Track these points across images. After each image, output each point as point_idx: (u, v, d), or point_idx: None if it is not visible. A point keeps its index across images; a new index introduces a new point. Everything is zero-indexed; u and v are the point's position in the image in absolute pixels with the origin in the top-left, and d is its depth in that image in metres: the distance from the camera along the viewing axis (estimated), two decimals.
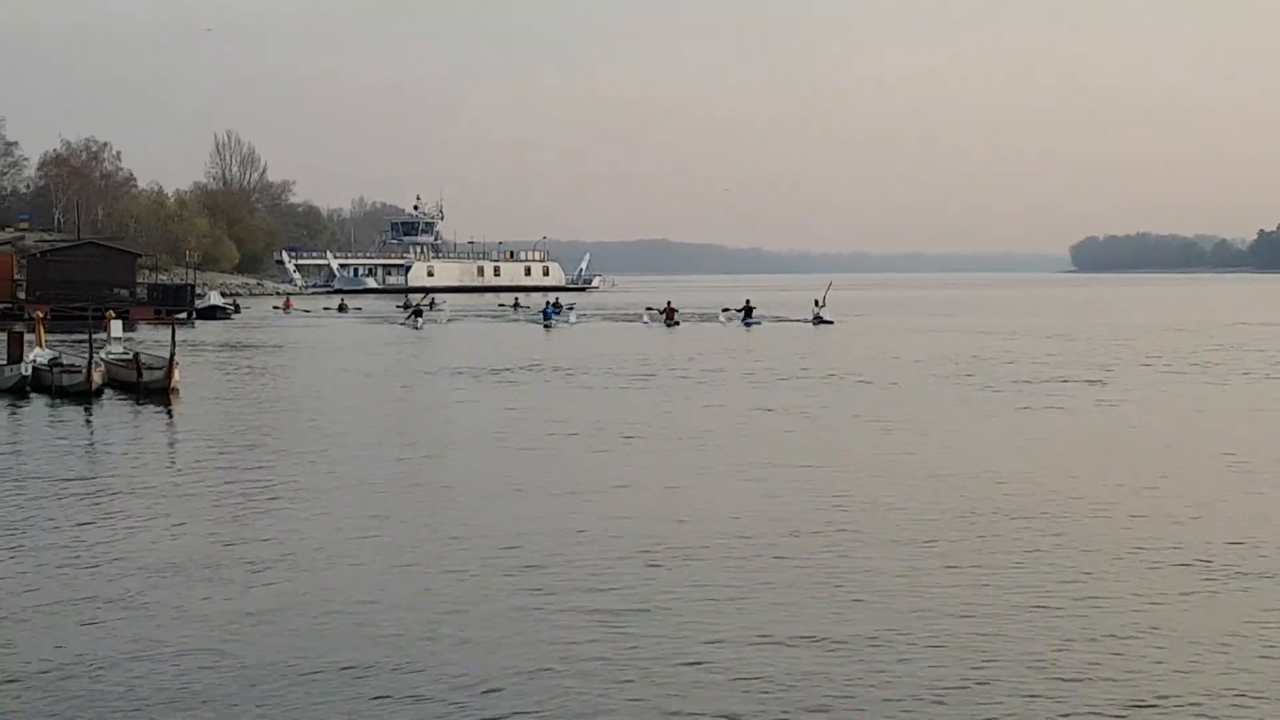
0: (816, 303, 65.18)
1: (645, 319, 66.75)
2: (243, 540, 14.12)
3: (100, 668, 9.77)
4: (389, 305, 76.83)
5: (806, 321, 64.22)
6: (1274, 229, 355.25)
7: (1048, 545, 13.61)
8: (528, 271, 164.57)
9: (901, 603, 11.39)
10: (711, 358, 41.27)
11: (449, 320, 71.84)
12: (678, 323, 64.36)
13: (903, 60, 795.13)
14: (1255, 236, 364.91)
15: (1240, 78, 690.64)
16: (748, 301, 68.66)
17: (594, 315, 77.88)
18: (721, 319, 66.78)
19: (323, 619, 11.04)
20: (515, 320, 73.25)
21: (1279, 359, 39.94)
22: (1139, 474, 18.41)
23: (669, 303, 68.23)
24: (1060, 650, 10.03)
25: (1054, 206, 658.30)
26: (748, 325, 63.46)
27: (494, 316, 79.82)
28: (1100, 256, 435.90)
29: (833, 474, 18.45)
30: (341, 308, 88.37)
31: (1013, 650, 10.03)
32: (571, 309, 74.97)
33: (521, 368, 37.75)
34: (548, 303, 73.33)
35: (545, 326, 64.76)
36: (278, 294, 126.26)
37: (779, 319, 68.20)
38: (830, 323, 62.53)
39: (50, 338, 36.78)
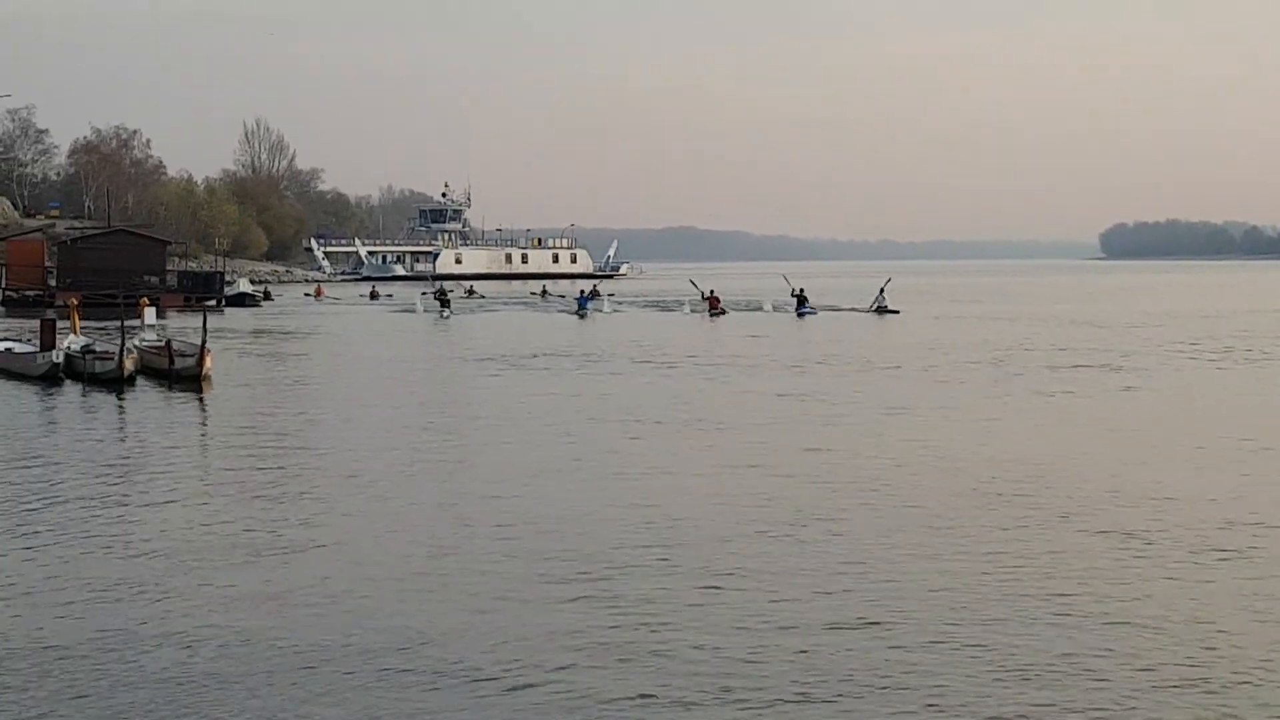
0: (881, 292, 62.16)
1: (686, 309, 63.93)
2: (274, 525, 14.23)
3: (129, 651, 9.89)
4: (417, 292, 75.45)
5: (866, 311, 61.34)
6: None
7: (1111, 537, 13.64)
8: (555, 259, 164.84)
9: (931, 586, 11.45)
10: (793, 355, 41.15)
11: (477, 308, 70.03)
12: (723, 311, 60.83)
13: (929, 47, 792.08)
14: None
15: (1270, 63, 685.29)
16: (801, 290, 63.35)
17: (630, 302, 76.44)
18: (767, 307, 64.36)
19: (354, 603, 11.14)
20: (548, 310, 69.34)
21: None
22: (1167, 460, 18.41)
23: (711, 291, 64.37)
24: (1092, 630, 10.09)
25: (1083, 193, 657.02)
26: (801, 315, 59.35)
27: (524, 305, 78.38)
28: (1129, 244, 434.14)
29: (920, 470, 18.48)
30: (373, 295, 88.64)
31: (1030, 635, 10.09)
32: (611, 296, 73.00)
33: (554, 355, 37.81)
34: (582, 291, 71.24)
35: (580, 315, 62.22)
36: (307, 281, 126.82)
37: (833, 308, 64.70)
38: (896, 312, 59.67)
39: (84, 324, 37.01)
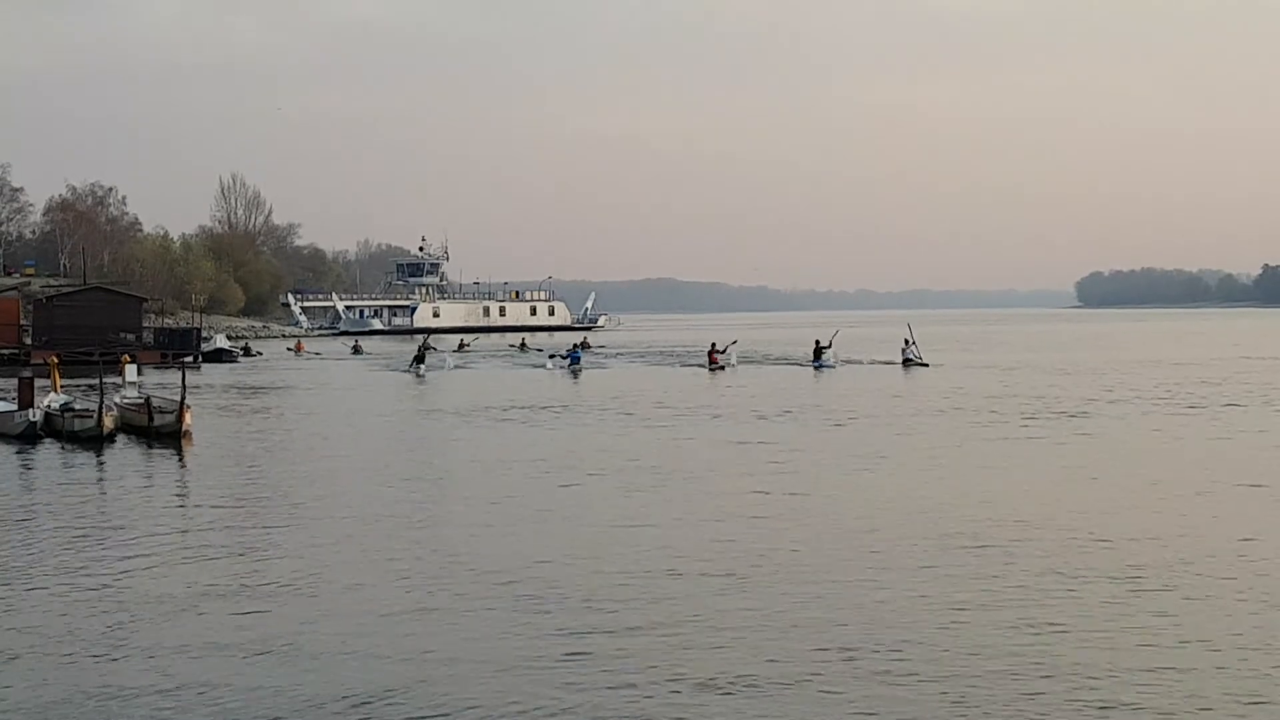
0: (906, 342, 59.10)
1: (733, 359, 59.64)
2: (255, 580, 14.23)
3: (113, 703, 9.95)
4: (396, 346, 74.14)
5: (893, 364, 58.40)
6: (1278, 263, 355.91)
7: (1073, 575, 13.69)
8: (533, 311, 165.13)
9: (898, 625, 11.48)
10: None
11: (454, 367, 63.79)
12: (723, 366, 57.76)
13: (907, 97, 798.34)
14: (1260, 271, 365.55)
15: (1243, 112, 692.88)
16: (818, 341, 60.00)
17: (622, 353, 75.08)
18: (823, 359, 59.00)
19: (330, 656, 11.18)
20: (539, 366, 62.94)
21: (1264, 393, 40.04)
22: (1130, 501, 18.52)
23: (714, 344, 61.47)
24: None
25: (1059, 243, 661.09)
26: (818, 369, 56.45)
27: (510, 359, 75.14)
28: (1105, 292, 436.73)
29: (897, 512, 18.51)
30: (356, 349, 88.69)
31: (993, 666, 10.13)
32: (601, 348, 71.63)
33: (543, 408, 37.80)
34: (574, 345, 66.90)
35: (573, 373, 57.56)
36: (284, 336, 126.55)
37: (851, 360, 61.40)
38: (925, 364, 56.43)
39: (62, 383, 36.88)
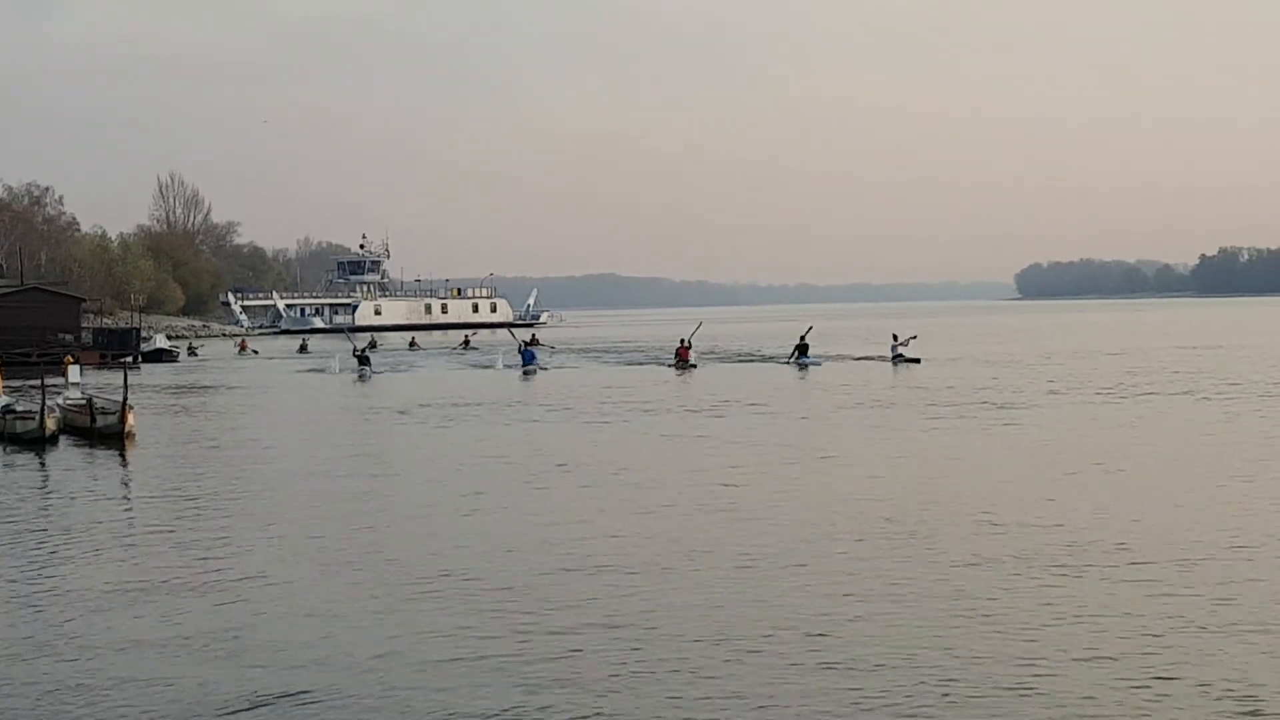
0: (895, 338, 55.81)
1: (675, 366, 55.08)
2: (190, 578, 14.40)
3: (35, 702, 10.13)
4: (343, 345, 69.95)
5: (882, 360, 55.30)
6: (1215, 254, 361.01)
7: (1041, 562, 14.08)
8: (475, 308, 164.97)
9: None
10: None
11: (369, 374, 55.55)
12: (694, 365, 54.15)
13: (845, 92, 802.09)
14: (1197, 261, 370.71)
15: (1179, 106, 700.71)
16: (801, 337, 56.65)
17: (575, 354, 70.84)
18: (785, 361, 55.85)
19: (260, 654, 11.34)
20: (487, 367, 59.44)
21: (1187, 381, 40.82)
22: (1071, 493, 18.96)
23: (682, 340, 57.61)
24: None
25: (998, 235, 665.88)
26: (803, 366, 53.31)
27: (456, 357, 72.98)
28: (1045, 283, 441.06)
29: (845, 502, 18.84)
30: (303, 348, 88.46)
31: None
32: (553, 351, 67.20)
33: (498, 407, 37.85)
34: (524, 343, 62.42)
35: (524, 373, 53.94)
36: (225, 336, 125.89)
37: (839, 357, 59.40)
38: (917, 361, 52.84)
39: (3, 384, 36.70)
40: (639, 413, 34.07)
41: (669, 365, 55.79)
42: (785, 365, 54.93)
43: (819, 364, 53.88)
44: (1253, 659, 10.64)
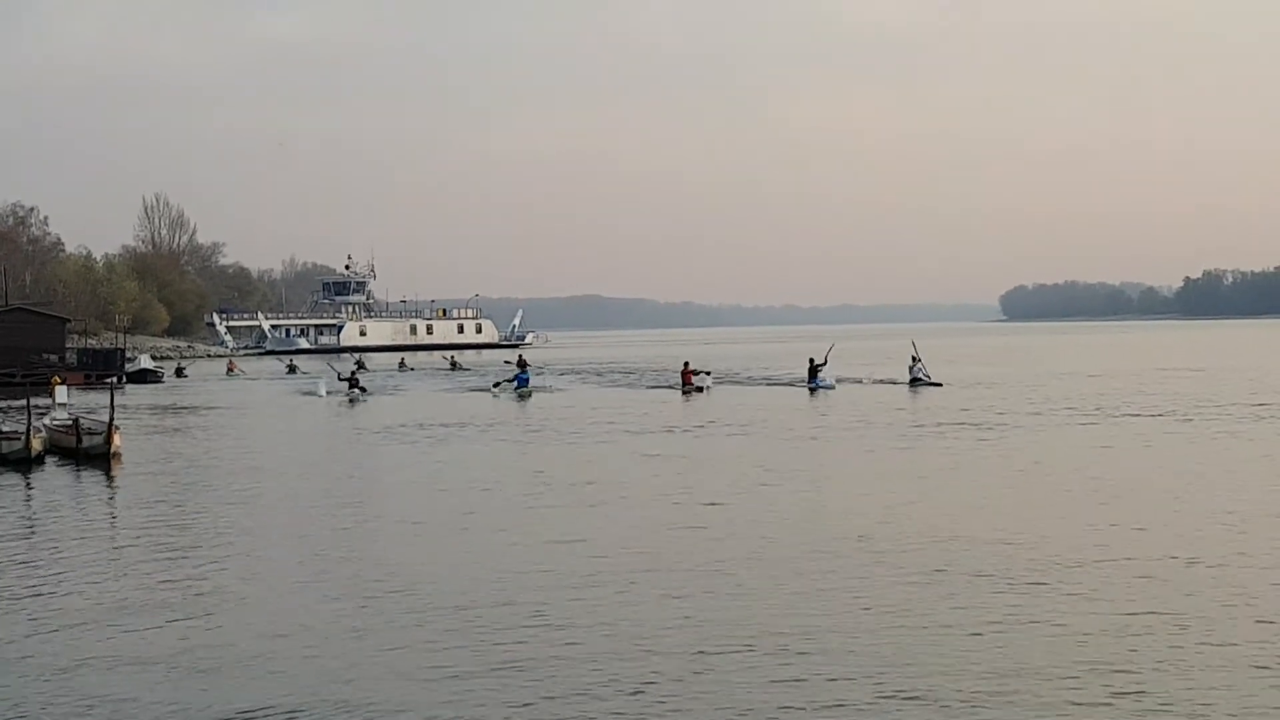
0: (914, 359, 54.42)
1: (703, 384, 52.82)
2: (175, 597, 14.46)
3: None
4: (326, 366, 69.31)
5: (899, 383, 53.75)
6: (1199, 276, 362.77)
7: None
8: (460, 329, 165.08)
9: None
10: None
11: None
12: (699, 389, 51.87)
13: (829, 113, 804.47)
14: (1181, 284, 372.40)
15: (1165, 129, 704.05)
16: (811, 359, 54.64)
17: (579, 375, 69.86)
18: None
19: (245, 672, 11.41)
20: (481, 390, 57.05)
21: (1167, 403, 41.02)
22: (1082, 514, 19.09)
23: (686, 363, 56.04)
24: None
25: (983, 257, 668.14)
26: (814, 389, 51.26)
27: (448, 379, 72.02)
28: (1029, 305, 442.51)
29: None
30: (291, 369, 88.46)
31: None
32: (541, 372, 64.03)
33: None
34: (516, 361, 59.44)
35: (520, 396, 51.81)
36: (210, 356, 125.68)
37: (851, 380, 56.88)
38: (938, 384, 51.36)
39: None
40: (631, 435, 34.15)
41: (674, 389, 53.92)
42: (802, 386, 53.13)
43: (832, 387, 51.56)
44: (1214, 675, 10.82)
